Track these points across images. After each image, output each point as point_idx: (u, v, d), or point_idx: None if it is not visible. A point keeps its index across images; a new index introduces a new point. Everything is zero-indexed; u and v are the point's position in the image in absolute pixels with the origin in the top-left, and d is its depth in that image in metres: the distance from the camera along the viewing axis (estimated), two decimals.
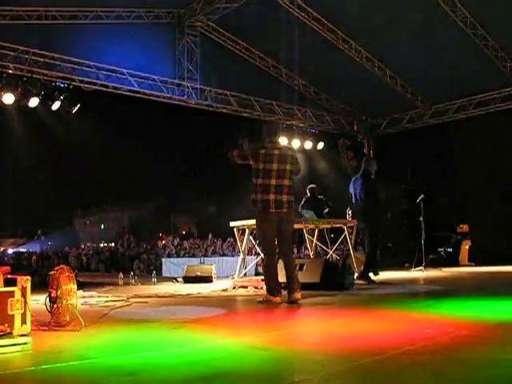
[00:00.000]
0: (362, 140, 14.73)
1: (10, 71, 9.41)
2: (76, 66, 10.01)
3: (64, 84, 9.93)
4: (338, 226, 9.02)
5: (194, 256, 17.08)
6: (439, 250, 13.98)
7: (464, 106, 12.57)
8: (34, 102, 9.50)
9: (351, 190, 7.80)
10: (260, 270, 11.88)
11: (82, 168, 30.31)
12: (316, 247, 9.82)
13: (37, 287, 4.26)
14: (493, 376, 2.25)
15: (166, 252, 17.84)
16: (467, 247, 12.81)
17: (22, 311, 2.95)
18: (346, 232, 8.70)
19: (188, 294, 6.29)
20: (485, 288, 6.76)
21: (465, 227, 13.71)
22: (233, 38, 11.94)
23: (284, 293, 5.21)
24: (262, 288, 6.23)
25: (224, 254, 17.40)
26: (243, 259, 8.59)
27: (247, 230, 8.45)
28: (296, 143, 12.97)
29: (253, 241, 8.86)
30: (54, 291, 3.60)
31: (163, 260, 15.65)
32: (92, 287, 7.55)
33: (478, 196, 12.73)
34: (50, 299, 3.65)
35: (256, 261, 10.44)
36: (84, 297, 5.83)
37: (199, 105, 11.66)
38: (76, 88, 10.10)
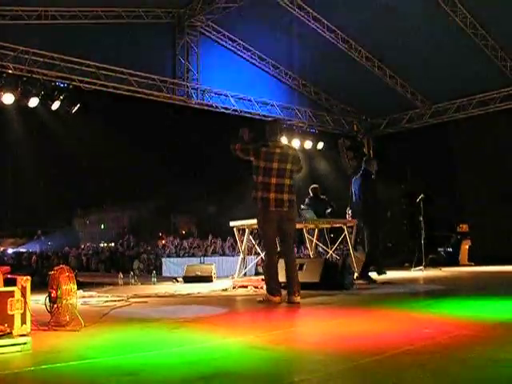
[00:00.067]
0: (362, 140, 14.73)
1: (10, 71, 9.41)
2: (76, 66, 10.01)
3: (64, 84, 9.93)
4: (337, 225, 9.02)
5: (193, 256, 17.09)
6: (439, 249, 14.00)
7: (464, 106, 12.57)
8: (33, 101, 9.49)
9: (352, 189, 7.82)
10: (260, 269, 11.88)
11: (82, 168, 30.28)
12: (316, 247, 9.82)
13: (37, 287, 4.26)
14: (492, 376, 2.25)
15: (166, 252, 17.84)
16: (467, 247, 12.82)
17: (22, 311, 2.95)
18: (346, 232, 8.70)
19: (188, 294, 6.29)
20: (484, 288, 6.76)
21: (464, 227, 13.73)
22: (233, 38, 11.95)
23: (284, 292, 5.20)
24: (261, 288, 6.23)
25: (224, 254, 17.40)
26: (243, 259, 8.59)
27: (247, 230, 8.44)
28: (296, 143, 12.96)
29: (252, 240, 8.86)
30: (54, 291, 3.60)
31: (163, 260, 15.65)
32: (92, 287, 7.55)
33: (478, 196, 12.73)
34: (49, 299, 3.65)
35: (256, 260, 10.44)
36: (84, 297, 5.83)
37: (199, 104, 11.66)
38: (76, 88, 10.10)
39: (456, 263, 12.53)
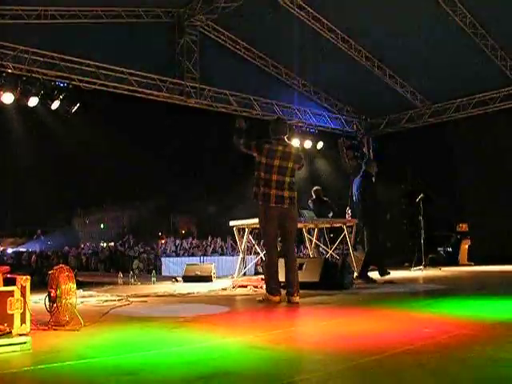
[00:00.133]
0: (362, 139, 14.73)
1: (10, 70, 9.40)
2: (75, 66, 10.00)
3: (63, 83, 9.91)
4: (337, 225, 9.02)
5: (193, 255, 17.10)
6: (439, 249, 13.99)
7: (463, 106, 12.57)
8: (33, 101, 9.49)
9: (352, 190, 7.86)
10: (259, 269, 11.89)
11: (82, 167, 30.27)
12: (318, 247, 9.82)
13: (36, 287, 4.26)
14: (492, 375, 2.25)
15: (166, 251, 17.85)
16: (467, 246, 12.81)
17: (22, 310, 2.95)
18: (346, 231, 8.70)
19: (187, 294, 6.29)
20: (484, 287, 6.76)
21: (464, 226, 13.72)
22: (232, 38, 11.94)
23: (283, 292, 5.20)
24: (261, 287, 6.24)
25: (223, 254, 17.41)
26: (243, 258, 8.59)
27: (247, 230, 8.44)
28: (295, 143, 12.96)
29: (252, 240, 8.86)
30: (54, 291, 3.60)
31: (163, 259, 15.66)
32: (91, 287, 7.56)
33: (478, 195, 12.72)
34: (49, 299, 3.65)
35: (255, 260, 10.44)
36: (83, 296, 5.84)
37: (199, 104, 11.64)
38: (75, 87, 10.09)
39: (456, 263, 12.53)
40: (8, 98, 9.21)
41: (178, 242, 19.77)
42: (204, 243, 19.16)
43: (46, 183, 29.24)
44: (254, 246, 9.23)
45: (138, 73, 10.68)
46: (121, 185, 33.25)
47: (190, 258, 16.26)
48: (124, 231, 30.69)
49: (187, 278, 8.58)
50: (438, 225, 13.09)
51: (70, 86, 9.97)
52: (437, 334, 3.13)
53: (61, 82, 9.91)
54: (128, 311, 4.72)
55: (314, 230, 9.52)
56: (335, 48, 11.50)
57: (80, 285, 5.69)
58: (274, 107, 12.75)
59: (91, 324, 3.68)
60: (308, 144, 13.37)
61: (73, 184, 33.34)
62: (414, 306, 4.73)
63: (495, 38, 10.61)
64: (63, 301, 3.56)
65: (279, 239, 5.57)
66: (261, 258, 8.47)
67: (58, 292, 3.58)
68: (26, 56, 9.48)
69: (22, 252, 20.45)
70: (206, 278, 8.41)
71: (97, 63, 10.20)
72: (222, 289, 6.78)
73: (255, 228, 8.51)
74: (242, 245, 8.56)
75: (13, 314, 2.91)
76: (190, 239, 21.02)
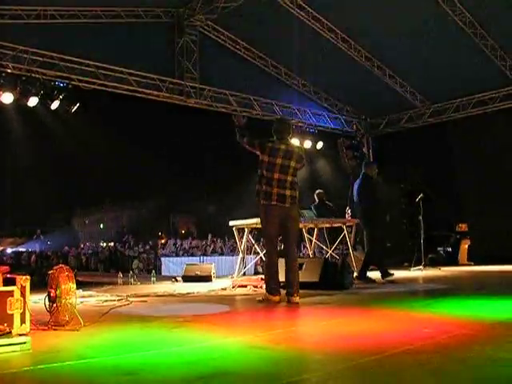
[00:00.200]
0: (361, 139, 14.74)
1: (9, 70, 9.39)
2: (75, 66, 9.99)
3: (63, 83, 9.91)
4: (337, 225, 9.02)
5: (193, 255, 17.10)
6: (438, 249, 14.00)
7: (463, 106, 12.57)
8: (32, 101, 9.48)
9: (353, 192, 7.89)
10: (259, 269, 11.90)
11: (82, 167, 30.31)
12: (321, 247, 9.84)
13: (36, 287, 4.25)
14: (492, 375, 2.25)
15: (166, 251, 17.85)
16: (466, 246, 12.82)
17: (21, 310, 2.94)
18: (345, 231, 8.70)
19: (187, 294, 6.29)
20: (484, 287, 6.76)
21: (464, 226, 13.72)
22: (232, 38, 11.93)
23: (283, 292, 5.20)
24: (261, 287, 6.24)
25: (223, 253, 17.42)
26: (242, 258, 8.59)
27: (246, 230, 8.45)
28: (295, 143, 12.96)
29: (252, 240, 8.87)
30: (53, 291, 3.60)
31: (162, 259, 15.67)
32: (91, 286, 7.55)
33: (477, 195, 12.73)
34: (49, 299, 3.65)
35: (255, 260, 10.44)
36: (83, 296, 5.83)
37: (198, 104, 11.64)
38: (75, 87, 10.09)
39: (455, 263, 12.53)
40: (7, 97, 9.20)
41: (178, 242, 19.78)
42: (204, 243, 19.18)
43: (45, 183, 29.28)
44: (253, 245, 9.23)
45: (137, 73, 10.67)
46: (120, 185, 33.30)
47: (190, 257, 16.27)
48: (124, 231, 30.71)
49: (187, 278, 8.58)
50: (437, 225, 13.10)
51: (70, 86, 9.97)
52: (436, 334, 3.13)
53: (60, 82, 9.90)
54: (128, 311, 4.72)
55: (313, 229, 9.52)
56: (335, 48, 11.49)
57: (80, 285, 5.68)
58: (273, 107, 12.75)
59: (91, 324, 3.68)
60: (308, 144, 13.37)
61: (72, 184, 33.38)
62: (413, 306, 4.73)
63: (495, 38, 10.61)
64: (63, 301, 3.56)
65: (280, 238, 5.57)
66: (260, 257, 8.48)
67: (58, 292, 3.58)
68: (25, 56, 9.47)
69: (22, 252, 20.47)
70: (206, 278, 8.40)
71: (96, 63, 10.19)
72: (222, 289, 6.78)
73: (255, 228, 8.52)
74: (242, 245, 8.56)
75: (12, 314, 2.91)
76: (190, 239, 21.04)
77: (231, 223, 8.56)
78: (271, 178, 5.17)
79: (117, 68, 10.44)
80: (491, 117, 12.03)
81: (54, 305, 3.61)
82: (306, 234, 9.61)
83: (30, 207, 32.53)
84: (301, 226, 8.88)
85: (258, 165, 5.30)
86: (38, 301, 4.23)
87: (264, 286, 5.47)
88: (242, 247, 8.56)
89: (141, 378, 2.32)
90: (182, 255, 17.32)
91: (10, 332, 2.87)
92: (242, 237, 8.62)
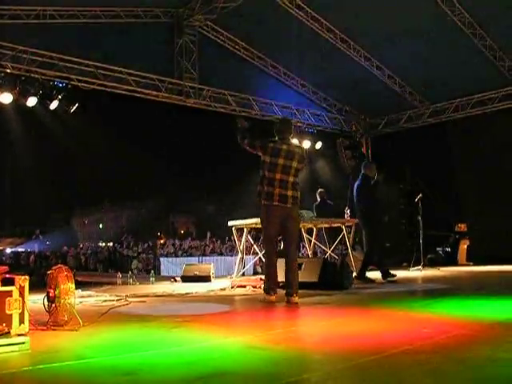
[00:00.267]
0: (361, 139, 14.74)
1: (8, 70, 9.39)
2: (74, 66, 9.99)
3: (62, 83, 9.91)
4: (336, 225, 9.02)
5: (192, 255, 17.10)
6: (437, 249, 14.02)
7: (462, 106, 12.58)
8: (32, 101, 9.48)
9: (352, 192, 7.90)
10: (258, 269, 11.90)
11: (81, 167, 30.29)
12: (321, 247, 9.85)
13: (35, 287, 4.24)
14: (491, 375, 2.25)
15: (165, 251, 17.84)
16: (465, 246, 12.83)
17: (20, 311, 2.94)
18: (344, 232, 8.70)
19: (186, 294, 6.29)
20: (483, 287, 6.77)
21: (463, 226, 13.73)
22: (231, 38, 11.93)
23: (282, 292, 5.19)
24: (260, 287, 6.23)
25: (222, 254, 17.41)
26: (241, 258, 8.59)
27: (245, 230, 8.44)
28: (294, 143, 12.95)
29: (251, 240, 8.86)
30: (52, 291, 3.60)
31: (161, 259, 15.67)
32: (90, 287, 7.55)
33: (477, 195, 12.74)
34: (48, 299, 3.64)
35: (254, 260, 10.44)
36: (82, 296, 5.83)
37: (198, 104, 11.64)
38: (74, 87, 10.08)
39: (454, 263, 12.54)
40: (7, 97, 9.20)
41: (177, 242, 19.77)
42: (204, 243, 19.18)
43: (44, 183, 29.25)
44: (252, 245, 9.23)
45: (136, 73, 10.67)
46: (120, 185, 33.27)
47: (189, 258, 16.27)
48: (123, 231, 30.68)
49: (186, 278, 8.57)
50: (436, 225, 13.10)
51: (69, 86, 9.97)
52: (435, 334, 3.13)
53: (59, 82, 9.90)
54: (127, 311, 4.72)
55: (312, 230, 9.52)
56: (334, 48, 11.50)
57: (79, 285, 5.67)
58: (272, 107, 12.75)
59: (90, 324, 3.67)
60: (307, 144, 13.38)
61: (72, 184, 33.37)
62: (412, 306, 4.73)
63: (494, 39, 10.62)
64: (62, 301, 3.55)
65: (280, 238, 5.57)
66: (259, 258, 8.48)
67: (57, 292, 3.57)
68: (24, 56, 9.47)
69: (21, 252, 20.45)
70: (205, 278, 8.40)
71: (95, 63, 10.19)
72: (221, 289, 6.78)
73: (254, 228, 8.52)
74: (241, 245, 8.56)
75: (11, 314, 2.90)
76: (189, 240, 21.04)
77: (230, 223, 8.56)
78: (273, 178, 5.15)
79: (116, 68, 10.44)
80: (490, 117, 12.04)
81: (53, 305, 3.60)
82: (305, 234, 9.62)
83: (29, 207, 32.50)
84: (300, 225, 8.89)
85: (260, 165, 5.28)
86: (36, 301, 4.23)
87: (263, 286, 5.47)
88: (241, 247, 8.56)
89: (140, 378, 2.32)
90: (182, 255, 17.32)
91: (9, 332, 2.87)
92: (240, 237, 8.62)
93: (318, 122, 13.73)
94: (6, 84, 9.14)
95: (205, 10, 10.83)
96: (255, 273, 11.88)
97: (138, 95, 10.92)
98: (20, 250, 22.72)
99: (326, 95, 13.73)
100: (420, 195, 10.55)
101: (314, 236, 9.52)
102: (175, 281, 8.83)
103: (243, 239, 8.52)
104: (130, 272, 9.42)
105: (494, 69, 11.19)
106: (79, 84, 10.15)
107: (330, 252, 9.45)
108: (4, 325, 2.86)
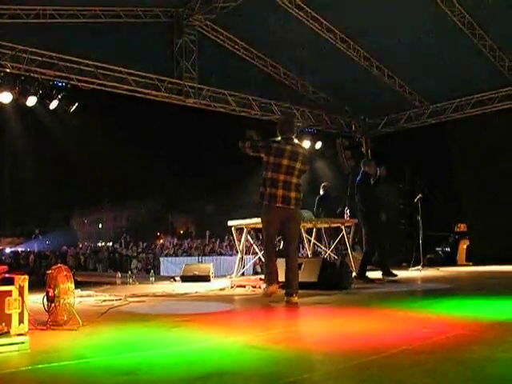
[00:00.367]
0: (360, 139, 14.74)
1: (8, 70, 9.39)
2: (74, 65, 9.99)
3: (62, 83, 9.91)
4: (335, 225, 9.02)
5: (191, 255, 17.09)
6: (437, 249, 14.03)
7: (462, 106, 12.58)
8: (31, 101, 9.48)
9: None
10: (258, 269, 11.90)
11: (80, 167, 30.29)
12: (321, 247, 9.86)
13: (34, 286, 4.24)
14: (491, 375, 2.25)
15: (164, 251, 17.84)
16: (465, 247, 12.83)
17: (20, 310, 2.94)
18: (344, 231, 8.70)
19: (186, 293, 6.29)
20: (482, 287, 6.76)
21: (462, 226, 13.74)
22: (231, 38, 11.93)
23: (281, 292, 5.19)
24: (259, 287, 6.23)
25: (221, 254, 17.40)
26: (241, 258, 8.58)
27: (245, 229, 8.44)
28: (297, 142, 12.95)
29: (250, 240, 8.86)
30: (52, 290, 3.59)
31: (161, 259, 15.66)
32: (90, 286, 7.54)
33: (476, 195, 12.74)
34: (47, 298, 3.64)
35: (254, 260, 10.44)
36: (82, 296, 5.83)
37: (197, 104, 11.64)
38: (74, 87, 10.09)
39: (454, 263, 12.54)
40: (6, 97, 9.20)
41: (176, 242, 19.76)
42: (203, 242, 19.17)
43: (44, 183, 29.24)
44: (252, 245, 9.23)
45: (136, 72, 10.67)
46: (119, 185, 33.27)
47: (189, 257, 16.27)
48: (122, 231, 30.68)
49: (185, 278, 8.58)
50: (436, 225, 13.11)
51: (69, 86, 9.97)
52: (435, 335, 3.13)
53: (59, 82, 9.90)
54: (126, 311, 4.72)
55: (312, 229, 9.53)
56: (334, 48, 11.50)
57: (78, 284, 5.67)
58: (272, 107, 12.75)
59: (89, 324, 3.67)
60: (306, 144, 13.38)
61: (71, 184, 33.37)
62: (412, 306, 4.73)
63: (493, 39, 10.63)
64: (61, 300, 3.55)
65: (279, 238, 5.56)
66: (259, 257, 8.48)
67: (56, 292, 3.57)
68: (24, 55, 9.47)
69: (21, 252, 20.44)
70: (205, 278, 8.40)
71: (95, 63, 10.19)
72: (221, 289, 6.78)
73: (253, 228, 8.52)
74: (241, 245, 8.56)
75: (11, 314, 2.90)
76: (189, 240, 21.03)
77: (230, 223, 8.56)
78: (277, 179, 5.10)
79: (116, 68, 10.44)
80: (490, 117, 12.05)
81: (53, 304, 3.60)
82: (304, 234, 9.62)
83: (29, 207, 32.51)
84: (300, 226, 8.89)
85: (263, 167, 5.23)
86: (36, 300, 4.22)
87: (262, 286, 5.47)
88: (241, 247, 8.56)
89: (139, 377, 2.32)
90: (181, 255, 17.31)
91: (9, 332, 2.86)
92: (240, 236, 8.62)
93: (318, 122, 13.73)
94: (5, 83, 9.14)
95: (204, 10, 10.83)
96: (255, 273, 11.89)
97: (138, 95, 10.92)
98: (20, 249, 22.71)
99: (326, 95, 13.73)
100: (420, 195, 10.55)
101: (313, 236, 9.52)
102: (175, 280, 8.83)
103: (243, 239, 8.52)
104: (130, 272, 9.42)
105: (493, 69, 11.19)
106: (79, 84, 10.15)
107: (329, 252, 9.45)
108: (3, 324, 2.86)
